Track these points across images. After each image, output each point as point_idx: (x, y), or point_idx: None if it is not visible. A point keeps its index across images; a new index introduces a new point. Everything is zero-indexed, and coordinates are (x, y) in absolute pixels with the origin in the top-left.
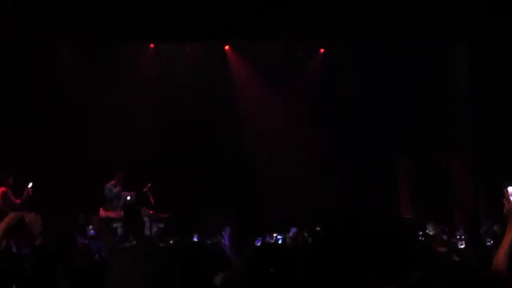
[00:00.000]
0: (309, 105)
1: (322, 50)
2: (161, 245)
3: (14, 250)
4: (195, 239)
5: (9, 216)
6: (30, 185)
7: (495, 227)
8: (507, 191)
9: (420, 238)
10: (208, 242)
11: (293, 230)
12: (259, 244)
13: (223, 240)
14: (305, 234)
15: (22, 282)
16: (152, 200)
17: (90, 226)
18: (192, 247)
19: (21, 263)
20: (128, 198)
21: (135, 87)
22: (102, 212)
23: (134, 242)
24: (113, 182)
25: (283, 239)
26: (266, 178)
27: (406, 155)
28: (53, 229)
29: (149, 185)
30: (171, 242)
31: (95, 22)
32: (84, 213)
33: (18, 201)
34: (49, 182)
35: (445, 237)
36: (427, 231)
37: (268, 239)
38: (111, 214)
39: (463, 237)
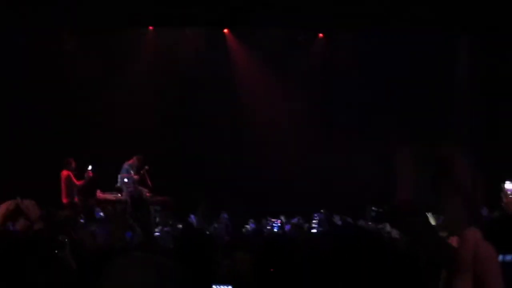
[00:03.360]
0: (309, 90)
1: (321, 35)
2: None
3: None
4: (194, 222)
5: (6, 202)
6: (90, 167)
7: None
8: (504, 186)
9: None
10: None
11: (295, 220)
12: (253, 227)
13: (218, 225)
14: (306, 224)
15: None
16: (149, 182)
17: (97, 208)
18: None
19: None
20: (126, 180)
21: (135, 71)
22: (99, 194)
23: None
24: (130, 161)
25: (280, 227)
26: (265, 164)
27: (404, 143)
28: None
29: (146, 167)
30: (177, 226)
31: (94, 5)
32: (81, 196)
33: (79, 183)
34: (45, 166)
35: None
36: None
37: (264, 223)
38: (109, 197)
39: None
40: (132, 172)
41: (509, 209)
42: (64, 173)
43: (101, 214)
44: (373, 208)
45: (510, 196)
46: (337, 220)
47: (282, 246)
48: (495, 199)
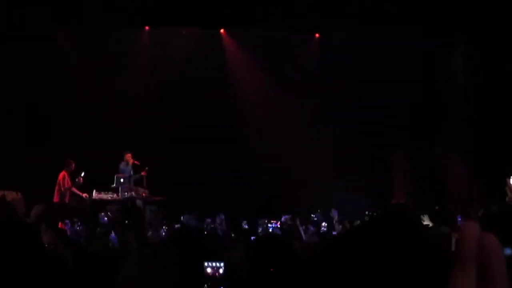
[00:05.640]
0: (304, 90)
1: (317, 35)
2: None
3: None
4: (190, 223)
5: None
6: (83, 174)
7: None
8: (509, 180)
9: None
10: (204, 226)
11: (284, 217)
12: (246, 227)
13: (215, 225)
14: (298, 223)
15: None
16: (145, 184)
17: (102, 213)
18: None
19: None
20: (122, 180)
21: (131, 71)
22: (95, 194)
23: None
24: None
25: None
26: (260, 164)
27: (400, 146)
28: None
29: (146, 168)
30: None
31: (91, 6)
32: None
33: (69, 185)
34: (45, 167)
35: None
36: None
37: (259, 225)
38: (105, 197)
39: None
40: (129, 171)
41: None
42: (61, 174)
43: (105, 219)
44: (366, 212)
45: None
46: (334, 214)
47: (276, 244)
48: (500, 194)
